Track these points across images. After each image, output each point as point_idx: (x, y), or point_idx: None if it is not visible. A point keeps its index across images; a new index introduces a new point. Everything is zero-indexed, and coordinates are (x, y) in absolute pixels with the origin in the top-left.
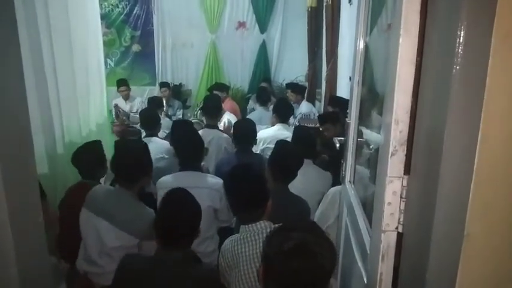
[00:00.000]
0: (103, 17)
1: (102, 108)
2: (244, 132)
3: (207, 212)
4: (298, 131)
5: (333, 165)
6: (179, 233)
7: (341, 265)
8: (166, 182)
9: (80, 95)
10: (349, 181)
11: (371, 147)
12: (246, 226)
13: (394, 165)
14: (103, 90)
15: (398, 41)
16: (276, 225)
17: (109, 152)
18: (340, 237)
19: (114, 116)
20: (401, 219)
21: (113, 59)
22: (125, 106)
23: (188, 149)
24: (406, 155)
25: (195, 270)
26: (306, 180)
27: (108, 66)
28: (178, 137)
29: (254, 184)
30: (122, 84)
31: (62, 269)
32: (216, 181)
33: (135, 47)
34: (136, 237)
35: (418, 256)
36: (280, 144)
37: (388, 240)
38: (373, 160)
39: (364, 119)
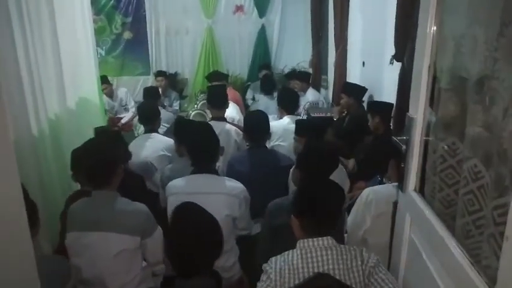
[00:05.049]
0: (91, 3)
1: (95, 99)
2: (257, 126)
3: (225, 221)
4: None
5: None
6: (196, 261)
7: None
8: (178, 186)
9: (68, 86)
10: (415, 190)
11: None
12: (305, 241)
13: None
14: (94, 81)
15: None
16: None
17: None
18: (400, 255)
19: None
20: None
21: (104, 47)
22: (111, 104)
23: (204, 149)
24: None
25: None
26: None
27: (99, 56)
28: (193, 136)
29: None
30: (102, 81)
31: None
32: (234, 185)
33: (127, 34)
34: (136, 235)
35: None
36: (313, 144)
37: None
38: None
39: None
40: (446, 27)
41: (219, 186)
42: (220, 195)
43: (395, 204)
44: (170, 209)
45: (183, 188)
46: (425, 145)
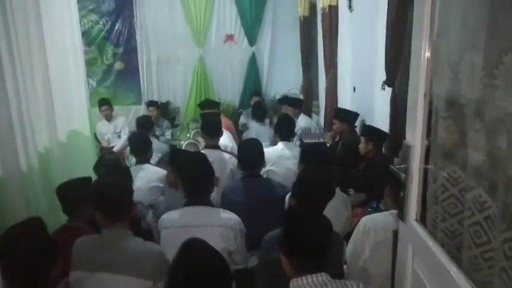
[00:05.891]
0: (83, 34)
1: (85, 131)
2: (251, 154)
3: None
4: (306, 149)
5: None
6: None
7: None
8: (172, 220)
9: (58, 119)
10: (416, 219)
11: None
12: (298, 279)
13: None
14: (85, 112)
15: None
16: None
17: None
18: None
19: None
20: None
21: (95, 78)
22: (108, 127)
23: (197, 180)
24: None
25: None
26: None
27: (90, 87)
28: (185, 166)
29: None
30: (103, 103)
31: None
32: (230, 217)
33: (118, 65)
34: (147, 279)
35: None
36: (308, 171)
37: None
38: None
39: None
40: (441, 53)
41: (214, 218)
42: (215, 227)
43: (395, 233)
44: (163, 243)
45: (176, 221)
46: (425, 173)
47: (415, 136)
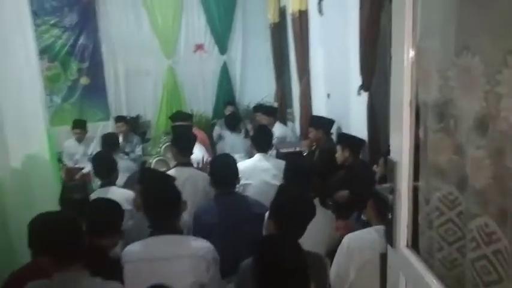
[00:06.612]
0: (45, 50)
1: (44, 154)
2: (224, 171)
3: None
4: (290, 162)
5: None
6: None
7: None
8: (135, 252)
9: (11, 143)
10: (407, 246)
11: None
12: None
13: None
14: (43, 133)
15: None
16: None
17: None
18: None
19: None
20: None
21: (59, 94)
22: (77, 148)
23: (161, 206)
24: None
25: None
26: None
27: (54, 104)
28: (148, 191)
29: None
30: (77, 125)
31: None
32: (201, 245)
33: (84, 80)
34: None
35: None
36: (286, 189)
37: None
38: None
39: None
40: (427, 56)
41: (183, 248)
42: (185, 258)
43: (383, 257)
44: (127, 279)
45: (140, 253)
46: (415, 193)
47: (401, 151)
